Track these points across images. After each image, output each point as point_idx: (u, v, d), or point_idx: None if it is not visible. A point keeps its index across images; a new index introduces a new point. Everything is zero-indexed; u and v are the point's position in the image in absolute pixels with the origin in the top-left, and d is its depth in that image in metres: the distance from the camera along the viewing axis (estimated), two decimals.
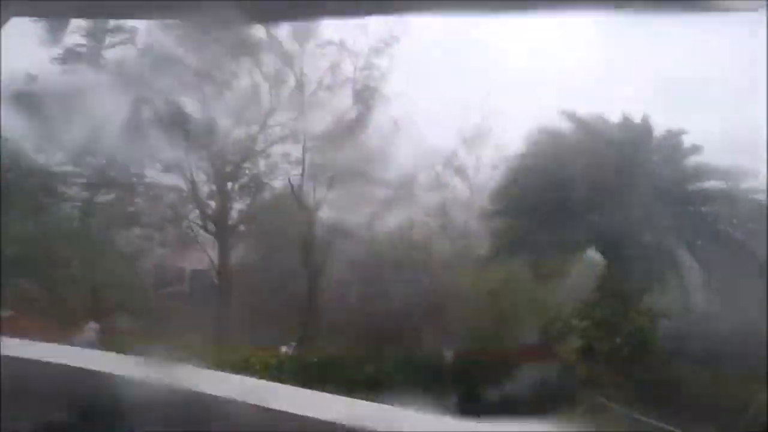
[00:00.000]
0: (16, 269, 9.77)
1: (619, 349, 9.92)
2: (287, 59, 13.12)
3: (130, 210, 12.32)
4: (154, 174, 12.94)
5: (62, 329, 9.01)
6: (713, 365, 8.83)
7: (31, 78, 11.05)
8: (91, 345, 8.42)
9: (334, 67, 13.25)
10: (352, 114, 13.24)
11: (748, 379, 8.43)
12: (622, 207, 10.41)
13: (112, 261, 11.47)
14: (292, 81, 13.20)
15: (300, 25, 12.15)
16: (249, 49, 12.87)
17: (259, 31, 12.51)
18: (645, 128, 11.22)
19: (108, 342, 9.00)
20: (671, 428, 7.86)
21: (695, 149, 10.94)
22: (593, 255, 11.24)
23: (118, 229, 11.68)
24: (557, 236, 10.75)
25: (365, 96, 13.25)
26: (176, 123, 12.63)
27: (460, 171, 13.67)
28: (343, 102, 13.28)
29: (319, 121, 13.34)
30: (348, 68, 13.20)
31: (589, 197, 10.40)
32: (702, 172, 10.96)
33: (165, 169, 13.01)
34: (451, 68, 12.14)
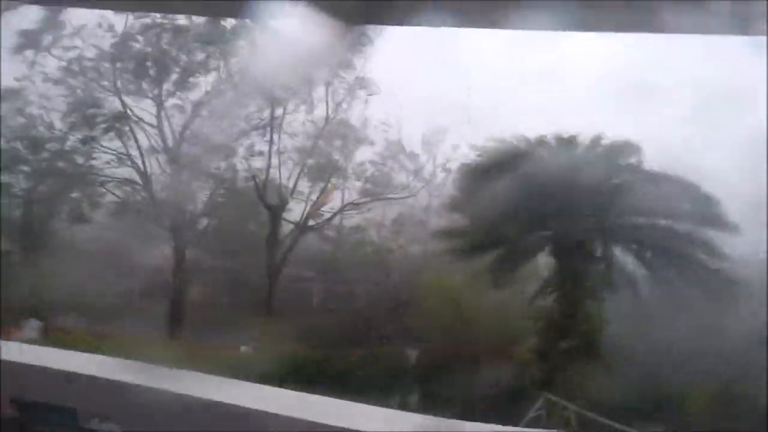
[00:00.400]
0: None
1: (570, 351, 10.28)
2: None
3: (80, 203, 11.67)
4: (107, 167, 12.48)
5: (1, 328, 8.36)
6: (658, 368, 9.28)
7: None
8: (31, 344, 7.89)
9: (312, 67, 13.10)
10: (323, 111, 13.15)
11: (688, 381, 8.98)
12: (577, 217, 10.95)
13: (59, 256, 10.79)
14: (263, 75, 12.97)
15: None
16: (220, 40, 12.50)
17: (230, 22, 12.28)
18: (596, 141, 11.69)
19: (52, 341, 8.44)
20: (619, 426, 8.17)
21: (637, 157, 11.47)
22: (548, 261, 11.61)
23: (67, 222, 11.03)
24: (514, 242, 11.16)
25: (339, 93, 13.16)
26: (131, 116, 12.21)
27: (419, 173, 13.82)
28: (316, 98, 13.16)
29: (290, 117, 13.20)
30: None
31: (544, 206, 10.82)
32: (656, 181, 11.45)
33: (120, 161, 12.58)
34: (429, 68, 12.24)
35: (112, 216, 12.53)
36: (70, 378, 2.31)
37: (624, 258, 11.27)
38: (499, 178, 11.46)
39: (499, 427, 2.32)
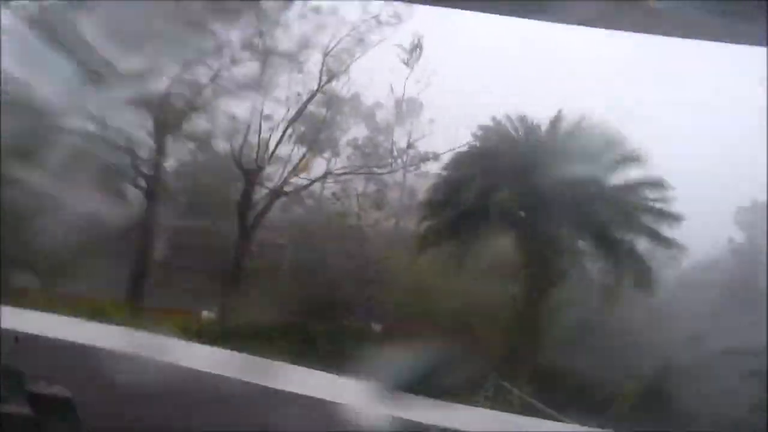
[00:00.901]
0: None
1: (526, 338, 10.63)
2: (262, 18, 12.46)
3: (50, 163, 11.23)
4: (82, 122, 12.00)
5: None
6: (607, 359, 9.67)
7: None
8: None
9: (311, 34, 12.66)
10: (313, 82, 12.84)
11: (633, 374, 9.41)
12: (542, 204, 11.07)
13: (18, 211, 10.38)
14: (259, 40, 12.53)
15: None
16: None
17: None
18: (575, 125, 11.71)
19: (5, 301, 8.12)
20: (558, 415, 8.54)
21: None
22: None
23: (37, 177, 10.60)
24: (481, 229, 11.32)
25: (332, 68, 12.81)
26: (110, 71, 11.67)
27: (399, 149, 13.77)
28: (310, 70, 12.80)
29: (277, 85, 12.87)
30: (325, 38, 12.62)
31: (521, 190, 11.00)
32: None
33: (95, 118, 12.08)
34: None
35: (80, 170, 12.08)
36: (18, 338, 2.25)
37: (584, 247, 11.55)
38: (480, 161, 11.66)
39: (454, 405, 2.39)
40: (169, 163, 13.01)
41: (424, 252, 11.92)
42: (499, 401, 9.04)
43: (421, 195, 12.87)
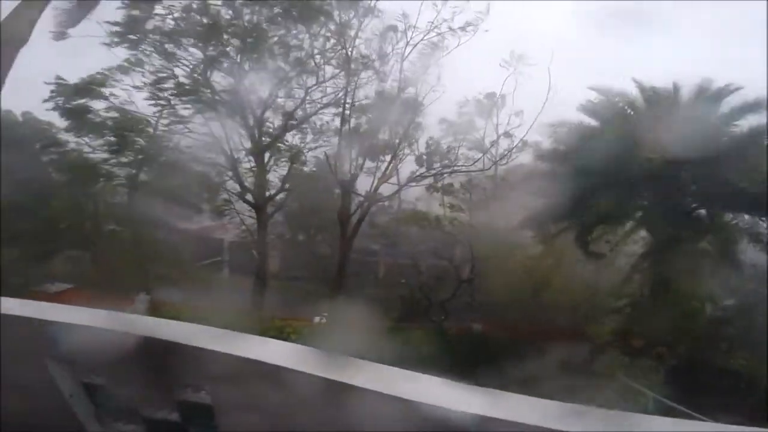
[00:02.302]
0: (68, 243, 10.32)
1: (656, 333, 9.30)
2: (341, 29, 12.91)
3: (171, 185, 12.74)
4: (193, 149, 13.16)
5: (115, 301, 9.58)
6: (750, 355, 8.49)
7: None
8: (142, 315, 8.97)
9: (387, 42, 12.96)
10: (395, 89, 13.06)
11: None
12: (675, 181, 9.70)
13: (157, 235, 12.04)
14: (341, 52, 13.02)
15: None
16: (303, 17, 12.67)
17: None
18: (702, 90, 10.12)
19: (157, 312, 9.61)
20: (692, 412, 7.70)
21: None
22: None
23: (161, 204, 12.17)
24: (601, 211, 9.93)
25: (411, 72, 12.96)
26: (212, 95, 12.79)
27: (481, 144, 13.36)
28: (390, 76, 13.11)
29: (362, 94, 13.26)
30: (400, 44, 12.83)
31: (637, 169, 9.61)
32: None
33: (205, 143, 13.34)
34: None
35: (202, 198, 13.52)
36: (166, 348, 2.64)
37: (733, 229, 9.77)
38: (585, 140, 10.37)
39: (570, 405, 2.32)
40: (271, 179, 13.81)
41: (530, 245, 11.17)
42: (628, 402, 8.30)
43: (518, 187, 12.26)
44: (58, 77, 11.59)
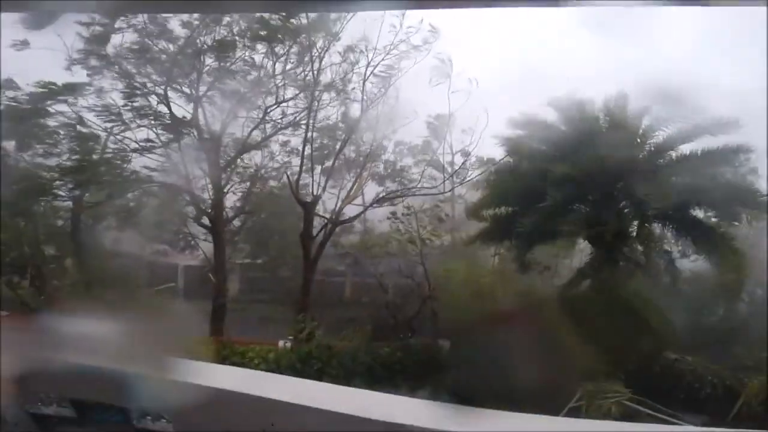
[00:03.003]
0: (8, 269, 9.64)
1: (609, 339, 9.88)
2: (303, 50, 12.91)
3: (121, 207, 12.14)
4: (146, 169, 12.79)
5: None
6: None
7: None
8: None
9: (349, 62, 13.04)
10: (357, 109, 13.19)
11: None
12: (614, 197, 10.36)
13: (104, 259, 11.37)
14: (303, 72, 13.04)
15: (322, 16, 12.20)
16: (262, 36, 12.55)
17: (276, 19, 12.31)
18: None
19: None
20: (664, 414, 7.93)
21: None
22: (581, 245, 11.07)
23: (110, 226, 11.55)
24: (547, 226, 10.44)
25: (372, 91, 13.06)
26: (168, 116, 12.43)
27: (436, 163, 13.70)
28: (352, 95, 13.21)
29: (322, 114, 13.28)
30: (362, 64, 12.93)
31: (578, 185, 10.25)
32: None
33: (159, 165, 12.85)
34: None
35: (153, 218, 12.96)
36: (122, 378, 2.48)
37: (664, 242, 10.58)
38: (532, 155, 11.04)
39: (538, 417, 2.31)
40: (229, 201, 13.54)
41: (483, 260, 11.60)
42: (593, 408, 8.45)
43: (473, 203, 12.55)
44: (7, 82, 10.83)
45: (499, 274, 11.41)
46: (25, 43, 10.36)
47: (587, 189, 10.46)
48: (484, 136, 12.55)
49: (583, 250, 11.11)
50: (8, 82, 10.69)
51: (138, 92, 12.11)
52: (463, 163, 13.46)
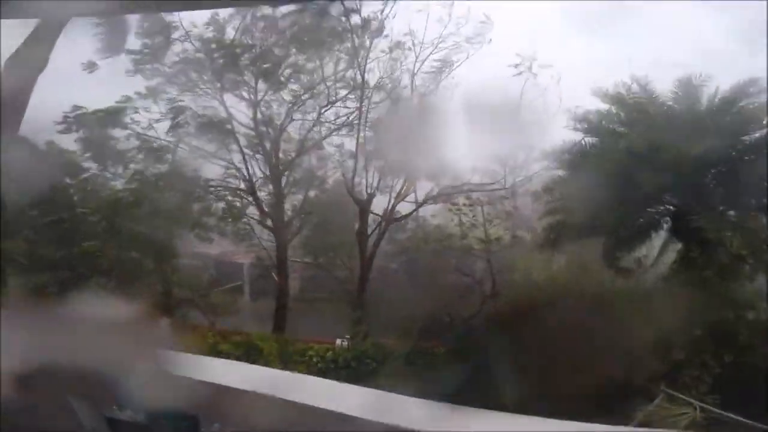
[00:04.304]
0: (89, 268, 10.52)
1: (698, 341, 8.96)
2: (353, 51, 12.97)
3: (190, 210, 12.91)
4: (210, 173, 13.36)
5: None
6: None
7: None
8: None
9: (398, 60, 12.96)
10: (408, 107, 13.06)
11: None
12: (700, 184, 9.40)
13: (177, 260, 12.20)
14: (352, 73, 13.11)
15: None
16: (313, 40, 12.78)
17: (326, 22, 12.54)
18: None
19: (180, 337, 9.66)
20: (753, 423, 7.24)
21: None
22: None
23: (181, 229, 12.34)
24: (629, 220, 9.70)
25: (424, 89, 12.91)
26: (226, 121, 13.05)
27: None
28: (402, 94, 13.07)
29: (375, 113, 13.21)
30: (410, 60, 12.82)
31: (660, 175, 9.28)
32: None
33: (223, 168, 13.42)
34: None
35: (222, 222, 13.67)
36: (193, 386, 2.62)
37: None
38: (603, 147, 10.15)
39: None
40: (288, 201, 13.89)
41: (550, 259, 10.92)
42: (674, 415, 7.88)
43: (539, 200, 11.97)
44: (76, 106, 11.80)
45: (580, 271, 10.69)
46: (93, 65, 11.12)
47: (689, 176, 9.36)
48: (550, 129, 11.89)
49: (676, 243, 10.13)
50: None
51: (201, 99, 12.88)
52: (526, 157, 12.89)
